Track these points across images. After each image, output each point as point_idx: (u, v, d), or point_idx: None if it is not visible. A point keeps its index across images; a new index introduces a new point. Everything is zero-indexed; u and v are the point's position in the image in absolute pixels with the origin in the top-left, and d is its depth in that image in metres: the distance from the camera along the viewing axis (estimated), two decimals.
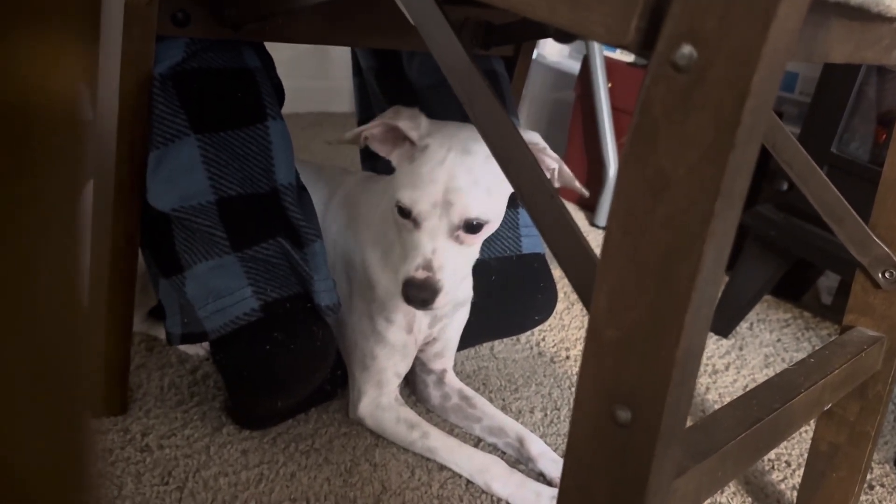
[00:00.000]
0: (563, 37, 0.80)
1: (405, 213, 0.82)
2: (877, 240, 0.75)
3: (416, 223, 0.82)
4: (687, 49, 0.37)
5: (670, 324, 0.40)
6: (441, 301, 0.81)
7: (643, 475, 0.43)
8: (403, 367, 0.98)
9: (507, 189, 0.85)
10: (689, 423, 0.58)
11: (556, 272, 1.18)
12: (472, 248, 0.86)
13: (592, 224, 1.92)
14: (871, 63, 0.64)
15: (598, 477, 0.44)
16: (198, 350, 1.05)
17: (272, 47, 0.95)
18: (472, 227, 0.82)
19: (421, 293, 0.80)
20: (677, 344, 0.40)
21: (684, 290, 0.40)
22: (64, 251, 0.15)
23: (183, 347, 1.05)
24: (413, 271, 0.81)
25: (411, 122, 0.85)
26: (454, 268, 0.83)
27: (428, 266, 0.81)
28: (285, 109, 0.93)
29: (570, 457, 0.45)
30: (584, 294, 0.48)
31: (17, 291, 0.15)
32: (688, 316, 0.40)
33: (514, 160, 0.52)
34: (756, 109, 0.37)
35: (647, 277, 0.41)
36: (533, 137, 0.85)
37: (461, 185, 0.81)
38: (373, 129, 0.86)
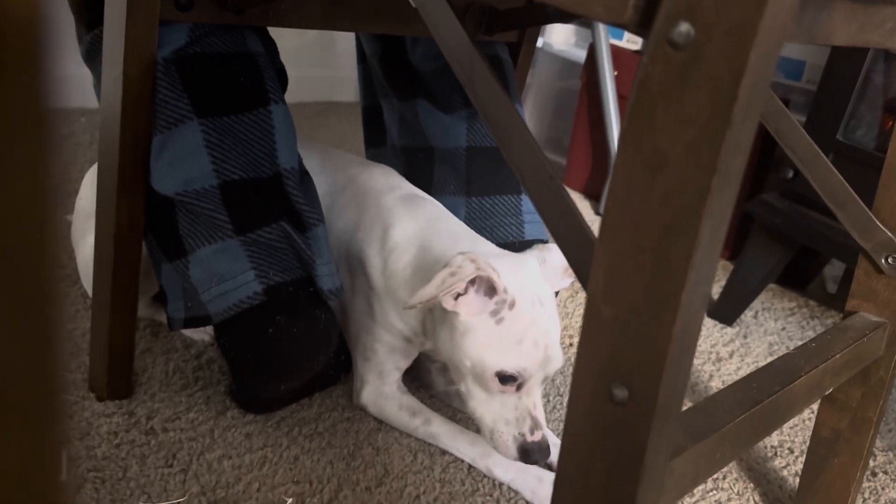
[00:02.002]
0: (564, 17, 0.80)
1: (509, 379, 0.81)
2: (880, 225, 0.75)
3: (520, 386, 0.82)
4: (684, 26, 0.37)
5: (667, 301, 0.40)
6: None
7: (639, 453, 0.43)
8: (404, 364, 0.98)
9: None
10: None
11: None
12: None
13: (598, 213, 1.92)
14: (874, 46, 0.64)
15: (595, 454, 0.44)
16: (202, 335, 1.05)
17: (277, 37, 0.95)
18: None
19: (543, 456, 0.82)
20: (674, 321, 0.40)
21: (681, 268, 0.40)
22: (30, 157, 0.15)
23: (188, 332, 1.06)
24: (530, 436, 0.82)
25: (497, 273, 0.80)
26: None
27: (537, 424, 0.83)
28: (290, 99, 0.93)
29: (567, 435, 0.46)
30: (583, 274, 0.48)
31: None
32: (684, 293, 0.40)
33: (515, 141, 0.52)
34: (753, 86, 0.37)
35: (644, 255, 0.41)
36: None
37: (555, 341, 0.83)
38: (460, 286, 0.78)
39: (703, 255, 0.40)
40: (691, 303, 0.41)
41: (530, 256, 0.88)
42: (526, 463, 0.83)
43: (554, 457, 0.92)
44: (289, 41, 1.07)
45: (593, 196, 2.01)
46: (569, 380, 1.12)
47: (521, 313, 0.81)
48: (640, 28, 0.40)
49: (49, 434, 0.17)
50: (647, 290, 0.41)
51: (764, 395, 0.60)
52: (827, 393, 0.75)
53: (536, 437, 0.82)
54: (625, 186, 0.41)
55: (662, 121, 0.39)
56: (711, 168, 0.38)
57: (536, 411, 0.83)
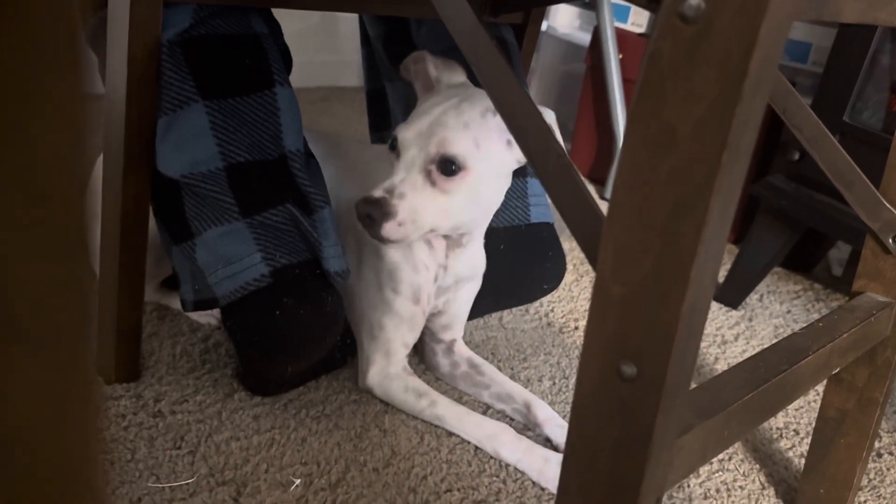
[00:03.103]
0: None
1: (393, 144, 0.83)
2: (887, 204, 0.75)
3: (398, 153, 0.83)
4: (694, 0, 0.37)
5: (676, 279, 0.40)
6: (391, 231, 0.80)
7: (648, 430, 0.43)
8: (411, 338, 0.98)
9: (499, 153, 0.84)
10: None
11: (566, 243, 1.18)
12: (446, 197, 0.82)
13: (602, 197, 1.91)
14: (883, 24, 0.63)
15: (603, 431, 0.45)
16: (209, 318, 1.06)
17: (281, 21, 0.95)
18: (448, 168, 0.81)
19: (368, 208, 0.79)
20: (683, 299, 0.40)
21: (690, 245, 0.40)
22: (68, 139, 0.16)
23: (195, 316, 1.06)
24: (374, 191, 0.80)
25: (443, 68, 0.89)
26: (419, 207, 0.81)
27: (390, 190, 0.80)
28: (294, 84, 0.93)
29: (575, 412, 0.46)
30: (591, 252, 0.48)
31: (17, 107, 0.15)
32: (693, 271, 0.40)
33: (520, 117, 0.52)
34: (763, 61, 0.37)
35: (653, 233, 0.41)
36: (548, 116, 0.83)
37: (448, 122, 0.81)
38: (418, 61, 0.90)
39: (712, 232, 0.40)
40: (700, 280, 0.41)
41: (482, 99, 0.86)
42: (358, 219, 0.81)
43: (560, 438, 0.92)
44: (291, 25, 1.06)
45: (598, 180, 2.01)
46: (574, 362, 1.12)
47: (434, 97, 0.86)
48: (650, 2, 0.40)
49: (83, 361, 0.17)
50: (655, 268, 0.41)
51: (771, 375, 0.60)
52: (834, 372, 0.75)
53: (378, 194, 0.80)
54: (633, 164, 0.41)
55: (672, 96, 0.38)
56: (721, 144, 0.38)
57: (400, 184, 0.81)
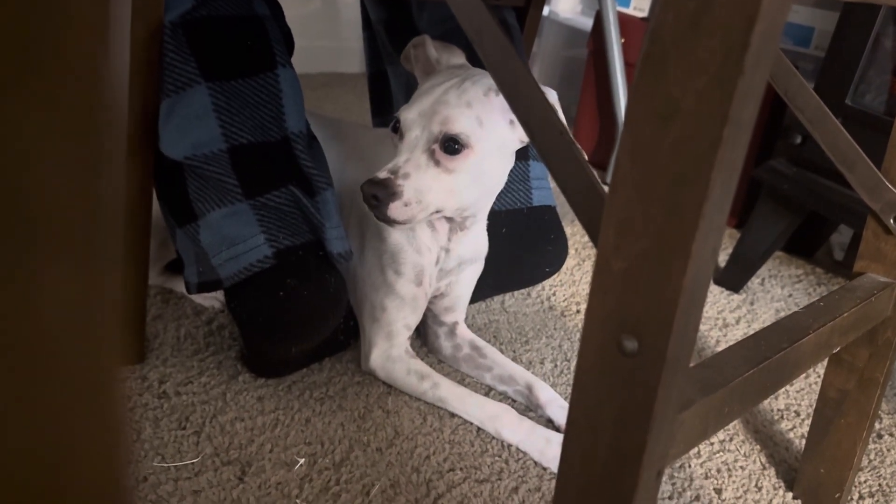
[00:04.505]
0: None
1: (396, 126, 0.84)
2: (889, 185, 0.75)
3: (402, 135, 0.83)
4: None
5: (677, 252, 0.40)
6: (398, 212, 0.80)
7: (649, 404, 0.44)
8: (413, 320, 0.98)
9: (502, 132, 0.84)
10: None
11: (568, 228, 1.18)
12: (451, 177, 0.82)
13: (605, 183, 1.91)
14: (885, 3, 0.63)
15: (605, 406, 0.45)
16: (213, 302, 1.06)
17: (283, 7, 0.94)
18: (452, 147, 0.81)
19: (374, 189, 0.79)
20: (684, 272, 0.40)
21: (692, 219, 0.40)
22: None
23: (198, 299, 1.06)
24: (378, 172, 0.81)
25: (443, 50, 0.91)
26: (424, 187, 0.81)
27: (394, 171, 0.81)
28: (295, 69, 0.93)
29: (577, 388, 0.46)
30: (593, 230, 0.48)
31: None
32: (695, 244, 0.40)
33: (523, 95, 0.52)
34: (764, 33, 0.37)
35: (654, 207, 0.41)
36: (550, 96, 0.83)
37: (450, 101, 0.82)
38: (417, 45, 0.92)
39: (714, 205, 0.40)
40: (702, 253, 0.41)
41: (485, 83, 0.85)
42: (364, 201, 0.81)
43: (562, 419, 0.93)
44: (293, 11, 1.06)
45: (600, 166, 2.01)
46: (575, 345, 1.13)
47: (435, 77, 0.87)
48: None
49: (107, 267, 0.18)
50: (657, 242, 0.41)
51: (772, 352, 0.60)
52: (834, 351, 0.76)
53: (383, 175, 0.80)
54: (636, 137, 0.41)
55: (674, 69, 0.39)
56: (723, 117, 0.38)
57: (404, 164, 0.81)
